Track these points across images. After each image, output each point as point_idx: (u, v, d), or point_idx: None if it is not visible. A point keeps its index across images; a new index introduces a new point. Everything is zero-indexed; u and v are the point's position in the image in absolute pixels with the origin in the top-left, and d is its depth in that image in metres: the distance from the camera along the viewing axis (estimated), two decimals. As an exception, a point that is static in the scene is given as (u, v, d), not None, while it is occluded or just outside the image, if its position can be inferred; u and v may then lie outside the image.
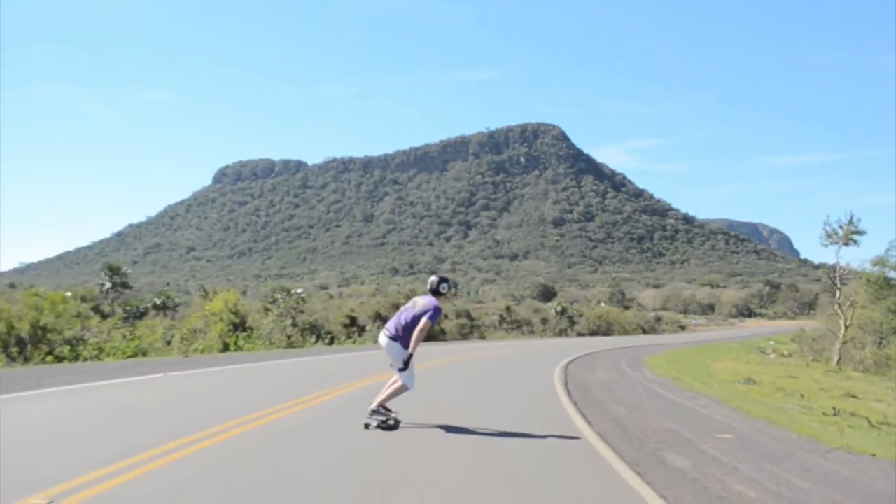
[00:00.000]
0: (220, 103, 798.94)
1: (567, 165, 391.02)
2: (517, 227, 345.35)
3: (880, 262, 39.16)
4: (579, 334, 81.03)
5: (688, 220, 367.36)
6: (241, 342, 33.14)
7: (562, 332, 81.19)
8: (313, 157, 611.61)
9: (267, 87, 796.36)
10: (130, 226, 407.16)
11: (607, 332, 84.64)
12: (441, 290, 9.23)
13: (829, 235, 41.43)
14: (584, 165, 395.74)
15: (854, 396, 22.44)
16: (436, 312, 8.96)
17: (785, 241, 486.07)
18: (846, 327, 40.22)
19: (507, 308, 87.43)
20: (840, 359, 39.67)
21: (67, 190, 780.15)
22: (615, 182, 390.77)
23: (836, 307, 41.47)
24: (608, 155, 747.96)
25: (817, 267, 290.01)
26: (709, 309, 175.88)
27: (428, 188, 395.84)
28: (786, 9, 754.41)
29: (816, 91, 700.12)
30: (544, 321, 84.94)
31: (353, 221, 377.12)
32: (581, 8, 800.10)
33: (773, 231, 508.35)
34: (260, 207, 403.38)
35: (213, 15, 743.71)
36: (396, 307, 52.93)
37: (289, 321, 39.43)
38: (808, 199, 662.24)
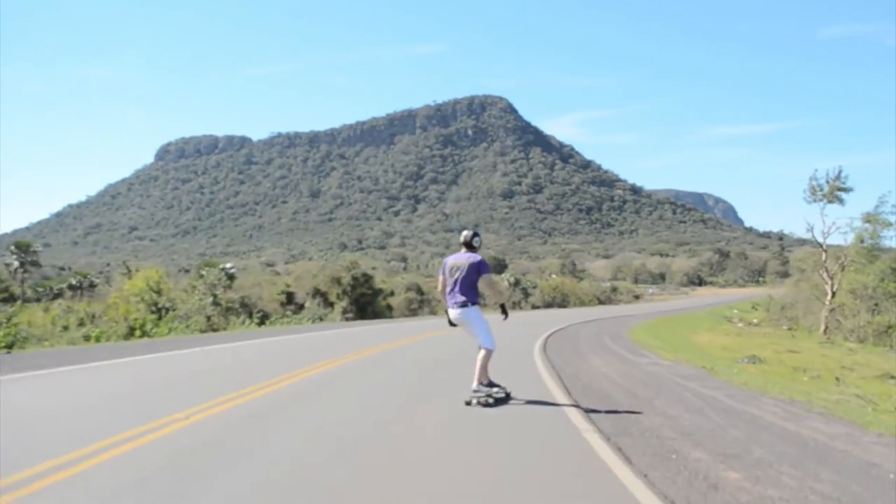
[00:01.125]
0: (162, 80, 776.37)
1: (515, 138, 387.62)
2: (466, 201, 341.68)
3: (872, 218, 35.29)
4: (534, 307, 77.05)
5: (635, 190, 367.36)
6: (148, 326, 27.81)
7: (515, 305, 77.01)
8: (258, 133, 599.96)
9: (210, 63, 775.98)
10: (70, 206, 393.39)
11: (563, 304, 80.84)
12: (474, 243, 8.99)
13: (813, 191, 37.37)
14: (531, 137, 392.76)
15: (893, 377, 18.20)
16: (484, 264, 8.76)
17: (730, 211, 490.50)
18: (833, 293, 36.28)
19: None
20: (827, 327, 35.84)
21: (2, 170, 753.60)
22: (563, 154, 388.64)
23: (822, 271, 37.50)
24: (556, 127, 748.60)
25: (762, 235, 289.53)
26: (659, 278, 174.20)
27: (375, 162, 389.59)
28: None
29: (756, 62, 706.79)
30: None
31: (299, 197, 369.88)
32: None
33: (718, 200, 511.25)
34: (204, 185, 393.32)
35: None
36: (338, 280, 48.03)
37: (209, 300, 34.12)
38: (751, 169, 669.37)
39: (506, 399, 8.75)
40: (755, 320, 56.53)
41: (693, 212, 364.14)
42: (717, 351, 24.49)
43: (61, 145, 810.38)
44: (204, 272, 42.18)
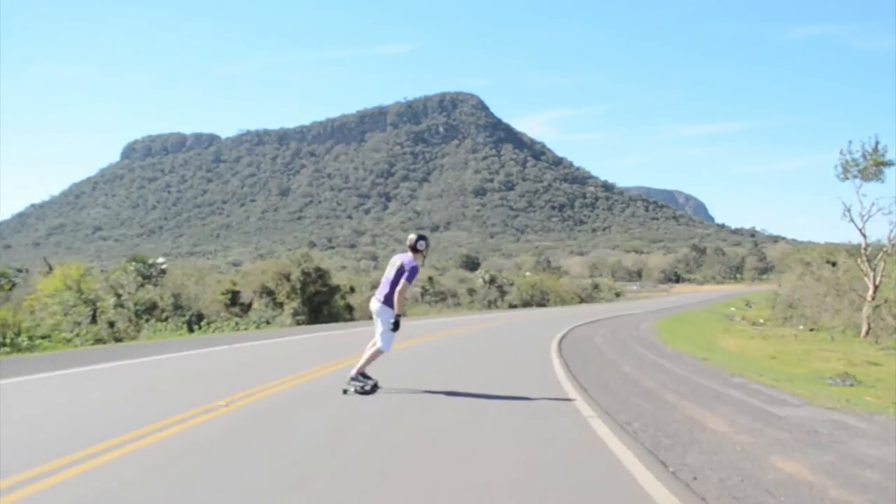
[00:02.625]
0: (129, 77, 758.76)
1: (486, 135, 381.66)
2: (438, 198, 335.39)
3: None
4: (511, 305, 71.06)
5: (607, 187, 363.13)
6: (22, 336, 20.92)
7: (491, 304, 71.07)
8: (226, 130, 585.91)
9: (179, 60, 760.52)
10: (32, 206, 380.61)
11: (542, 303, 74.81)
12: (419, 247, 9.16)
13: (846, 167, 31.23)
14: (503, 134, 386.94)
15: None
16: (412, 271, 8.97)
17: (700, 208, 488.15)
18: (875, 287, 30.17)
19: (430, 279, 76.57)
20: (870, 329, 29.71)
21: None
22: (535, 151, 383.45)
23: (862, 261, 31.36)
24: (527, 125, 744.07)
25: (735, 231, 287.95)
26: (636, 275, 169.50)
27: (346, 160, 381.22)
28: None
29: (725, 62, 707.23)
30: (471, 292, 74.61)
31: (268, 195, 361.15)
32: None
33: (688, 198, 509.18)
34: (171, 183, 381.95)
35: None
36: (286, 276, 41.30)
37: (110, 301, 27.24)
38: (720, 166, 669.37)
39: (372, 391, 8.93)
40: (762, 320, 50.88)
41: (665, 209, 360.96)
42: (773, 363, 18.36)
43: (24, 145, 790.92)
44: (130, 268, 35.36)
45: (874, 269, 30.00)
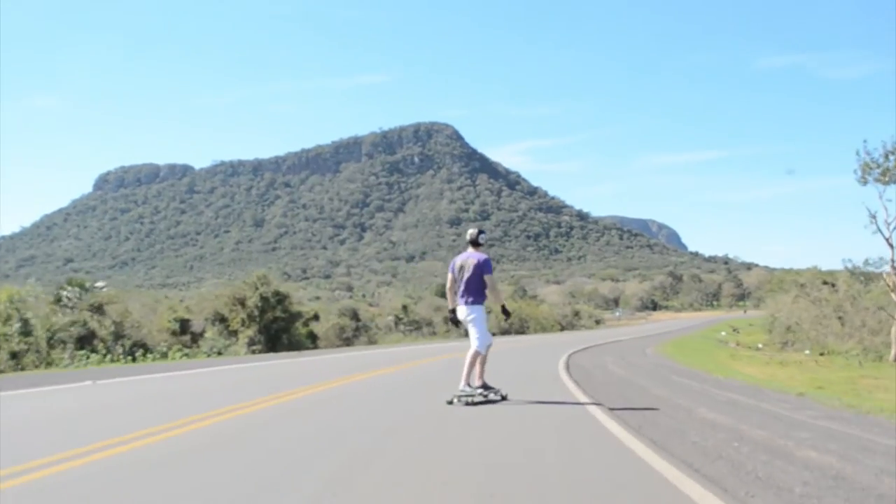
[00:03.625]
0: (102, 108, 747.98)
1: (461, 164, 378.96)
2: (413, 228, 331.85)
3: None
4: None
5: (582, 216, 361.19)
6: None
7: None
8: (200, 161, 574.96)
9: (152, 92, 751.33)
10: (3, 238, 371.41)
11: (521, 331, 71.19)
12: (480, 240, 9.12)
13: (865, 169, 27.64)
14: (478, 164, 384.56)
15: None
16: (488, 263, 8.85)
17: (673, 236, 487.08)
18: (904, 306, 26.54)
19: (404, 307, 72.59)
20: (903, 351, 26.04)
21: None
22: (510, 180, 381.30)
23: (889, 275, 27.70)
24: (502, 155, 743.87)
25: (708, 259, 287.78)
26: (613, 303, 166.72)
27: (321, 190, 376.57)
28: (665, 13, 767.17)
29: (697, 92, 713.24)
30: (447, 320, 70.19)
31: (242, 226, 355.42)
32: (467, 12, 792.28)
33: (662, 226, 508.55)
34: (144, 214, 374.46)
35: (93, 17, 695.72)
36: (241, 301, 36.92)
37: (14, 327, 22.87)
38: (692, 195, 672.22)
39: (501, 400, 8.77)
40: (760, 344, 47.31)
41: (639, 237, 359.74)
42: (825, 394, 14.46)
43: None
44: (66, 292, 31.05)
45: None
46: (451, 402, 8.56)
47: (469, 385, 8.71)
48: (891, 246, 26.83)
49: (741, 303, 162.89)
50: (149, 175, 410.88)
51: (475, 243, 9.00)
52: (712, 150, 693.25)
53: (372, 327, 52.06)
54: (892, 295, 27.58)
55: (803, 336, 41.58)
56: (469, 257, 8.88)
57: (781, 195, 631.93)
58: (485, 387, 8.85)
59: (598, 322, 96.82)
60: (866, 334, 33.55)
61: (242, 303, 32.27)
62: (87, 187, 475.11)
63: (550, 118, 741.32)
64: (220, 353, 30.89)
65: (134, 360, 27.22)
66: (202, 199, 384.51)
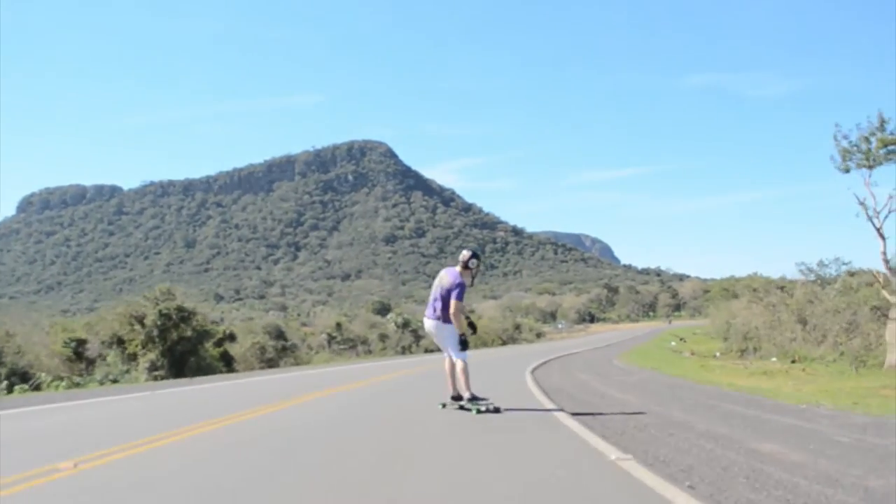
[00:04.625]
0: (25, 128, 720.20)
1: (396, 182, 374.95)
2: (348, 246, 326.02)
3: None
4: (427, 350, 63.10)
5: (517, 232, 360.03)
6: None
7: (405, 350, 62.90)
8: (129, 182, 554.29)
9: (78, 112, 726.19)
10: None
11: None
12: (470, 264, 8.87)
13: (844, 155, 24.27)
14: (412, 182, 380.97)
15: None
16: (461, 289, 8.60)
17: (607, 250, 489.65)
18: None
19: (338, 325, 67.89)
20: (898, 357, 22.60)
21: None
22: (444, 197, 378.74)
23: (882, 275, 24.33)
24: (435, 174, 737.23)
25: (641, 272, 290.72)
26: (550, 316, 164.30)
27: (254, 210, 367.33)
28: (591, 34, 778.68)
29: (624, 109, 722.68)
30: (383, 337, 66.57)
31: (173, 248, 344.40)
32: (398, 33, 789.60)
33: (595, 241, 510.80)
34: (70, 237, 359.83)
35: (15, 35, 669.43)
36: (140, 320, 31.65)
37: None
38: (623, 210, 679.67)
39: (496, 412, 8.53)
40: (717, 353, 44.16)
41: (573, 251, 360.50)
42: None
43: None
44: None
45: (898, 281, 22.89)
46: (479, 412, 8.46)
47: (474, 397, 8.64)
48: (882, 237, 23.40)
49: (677, 313, 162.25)
50: (75, 196, 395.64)
51: (465, 265, 8.80)
52: (640, 167, 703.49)
53: (301, 347, 47.27)
54: (884, 292, 24.19)
55: (766, 343, 38.50)
56: (449, 275, 8.79)
57: (708, 208, 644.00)
58: (474, 398, 8.67)
59: (538, 335, 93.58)
60: (843, 339, 30.31)
61: (142, 322, 27.27)
62: (10, 210, 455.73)
63: (482, 137, 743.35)
64: (114, 381, 25.96)
65: (10, 391, 22.31)
66: (131, 221, 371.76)
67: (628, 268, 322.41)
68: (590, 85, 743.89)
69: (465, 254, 8.87)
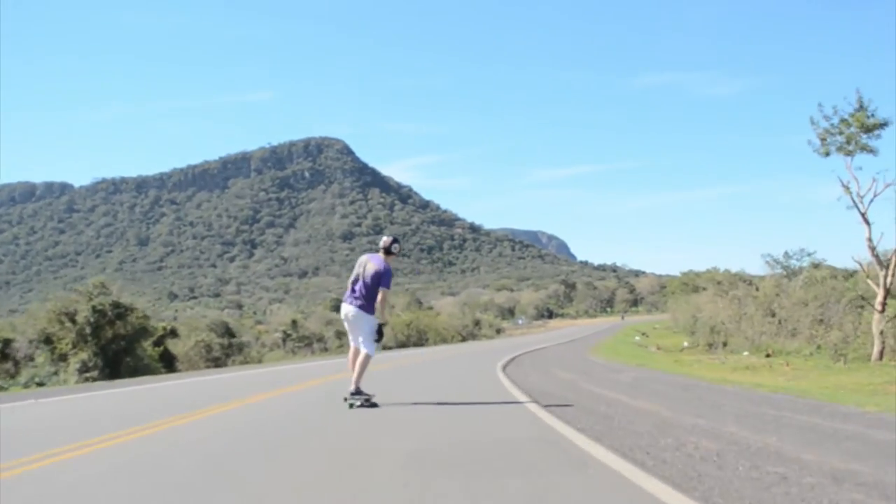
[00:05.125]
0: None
1: (353, 179, 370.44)
2: (305, 244, 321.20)
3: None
4: (385, 347, 60.90)
5: (474, 229, 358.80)
6: None
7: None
8: (81, 179, 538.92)
9: (26, 107, 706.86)
10: None
11: (419, 343, 65.58)
12: (393, 249, 8.65)
13: (824, 137, 22.76)
14: (370, 179, 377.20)
15: None
16: (389, 277, 8.38)
17: (563, 247, 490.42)
18: (886, 293, 21.66)
19: (294, 322, 65.55)
20: (883, 350, 21.13)
21: None
22: (402, 194, 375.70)
23: (867, 266, 22.88)
24: (392, 171, 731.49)
25: (598, 268, 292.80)
26: (509, 312, 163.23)
27: (209, 207, 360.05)
28: (548, 32, 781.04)
29: (578, 107, 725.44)
30: (340, 335, 64.11)
31: (126, 245, 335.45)
32: (353, 30, 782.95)
33: (551, 237, 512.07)
34: (19, 235, 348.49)
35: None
36: (71, 316, 28.86)
37: None
38: (578, 207, 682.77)
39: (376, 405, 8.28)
40: (686, 343, 42.96)
41: (530, 248, 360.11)
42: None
43: None
44: None
45: (893, 275, 21.35)
46: (352, 406, 8.17)
47: (359, 389, 8.28)
48: (867, 223, 21.89)
49: (634, 308, 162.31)
50: (24, 194, 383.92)
51: (387, 251, 8.52)
52: (594, 164, 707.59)
53: (254, 345, 44.79)
54: (870, 281, 22.76)
55: (735, 337, 37.18)
56: (374, 261, 8.47)
57: (660, 205, 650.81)
58: (358, 391, 8.28)
59: (498, 331, 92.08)
60: (818, 331, 28.96)
61: (73, 318, 24.71)
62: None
63: (438, 135, 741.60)
64: (39, 385, 23.42)
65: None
66: (82, 218, 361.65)
67: (585, 264, 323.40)
68: (544, 84, 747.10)
69: (387, 239, 8.66)
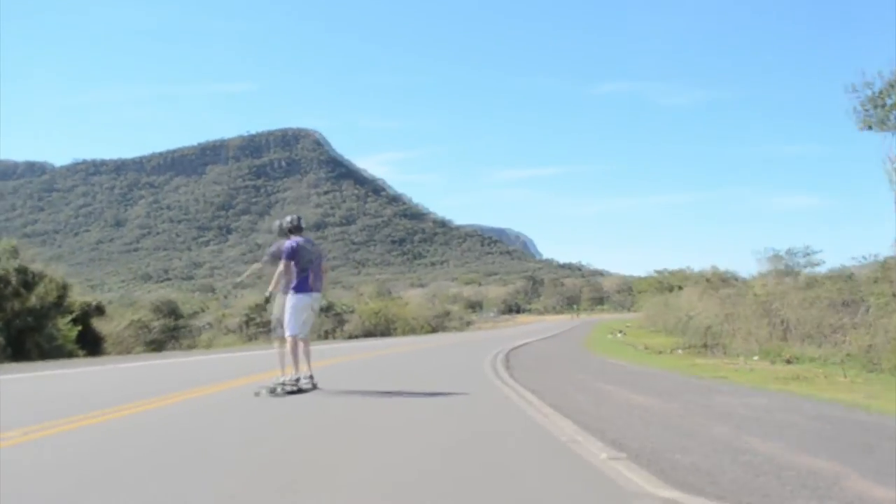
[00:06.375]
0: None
1: (327, 170, 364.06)
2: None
3: None
4: (351, 336, 57.18)
5: (444, 223, 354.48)
6: None
7: (328, 334, 56.72)
8: (60, 159, 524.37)
9: (7, 87, 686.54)
10: None
11: (386, 332, 61.04)
12: (302, 225, 8.80)
13: (867, 107, 17.98)
14: (343, 171, 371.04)
15: None
16: (287, 249, 8.39)
17: (529, 244, 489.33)
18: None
19: (257, 306, 59.96)
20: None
21: None
22: (374, 187, 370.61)
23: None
24: (365, 165, 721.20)
25: (563, 266, 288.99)
26: (477, 306, 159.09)
27: (186, 191, 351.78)
28: (513, 38, 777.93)
29: (541, 113, 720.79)
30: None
31: (103, 226, 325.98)
32: (330, 25, 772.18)
33: (518, 235, 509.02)
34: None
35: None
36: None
37: None
38: (543, 207, 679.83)
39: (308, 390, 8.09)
40: (679, 350, 38.33)
41: (498, 244, 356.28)
42: None
43: None
44: None
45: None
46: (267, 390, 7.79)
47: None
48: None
49: (600, 306, 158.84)
50: (4, 172, 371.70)
51: (290, 231, 8.56)
52: (559, 166, 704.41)
53: (195, 327, 39.58)
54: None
55: (738, 339, 32.71)
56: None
57: (622, 208, 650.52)
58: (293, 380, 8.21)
59: (468, 324, 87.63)
60: (852, 336, 24.50)
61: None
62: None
63: (410, 131, 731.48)
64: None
65: None
66: (61, 198, 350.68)
67: (550, 262, 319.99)
68: (509, 87, 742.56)
69: (293, 217, 8.78)
